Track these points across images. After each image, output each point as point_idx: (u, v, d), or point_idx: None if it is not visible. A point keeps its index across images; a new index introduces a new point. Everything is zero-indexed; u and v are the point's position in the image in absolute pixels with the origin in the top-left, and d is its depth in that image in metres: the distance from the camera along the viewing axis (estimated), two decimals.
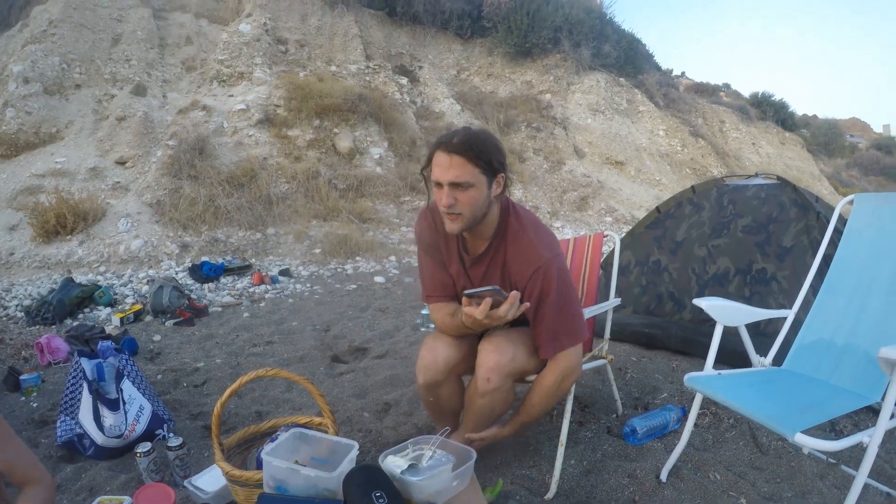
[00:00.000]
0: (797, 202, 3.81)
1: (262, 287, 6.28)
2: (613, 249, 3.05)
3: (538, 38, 14.90)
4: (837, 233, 2.70)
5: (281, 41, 12.10)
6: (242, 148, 9.32)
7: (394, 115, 11.25)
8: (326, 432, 2.11)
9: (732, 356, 2.83)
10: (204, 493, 2.14)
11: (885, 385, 1.93)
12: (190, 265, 6.65)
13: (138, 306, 5.16)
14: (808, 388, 2.23)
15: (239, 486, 1.94)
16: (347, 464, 1.80)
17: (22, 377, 3.42)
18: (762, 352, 2.53)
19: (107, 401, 2.65)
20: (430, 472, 1.83)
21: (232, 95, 10.33)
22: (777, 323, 2.66)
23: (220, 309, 5.46)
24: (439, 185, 1.99)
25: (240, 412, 3.13)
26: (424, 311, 4.48)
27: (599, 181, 13.11)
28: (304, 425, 2.25)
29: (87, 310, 5.22)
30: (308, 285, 6.52)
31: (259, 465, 1.83)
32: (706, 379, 2.21)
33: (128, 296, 5.63)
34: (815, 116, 32.56)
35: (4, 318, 5.13)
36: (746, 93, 25.70)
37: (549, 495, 2.29)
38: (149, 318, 5.07)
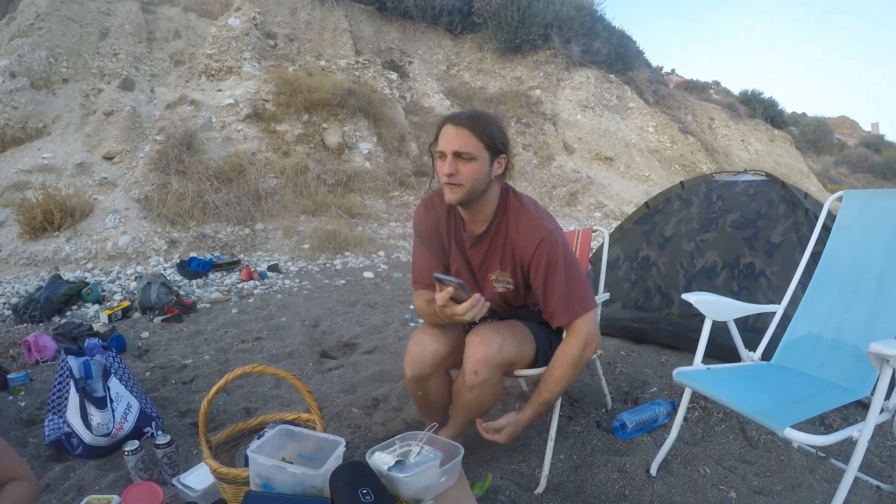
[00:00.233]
0: (786, 199, 3.82)
1: (251, 283, 6.26)
2: (602, 245, 3.05)
3: (528, 34, 14.92)
4: (826, 229, 2.71)
5: (270, 35, 12.05)
6: (231, 143, 9.28)
7: (383, 111, 11.23)
8: (315, 429, 2.09)
9: (721, 351, 2.84)
10: (192, 490, 2.12)
11: (874, 379, 1.95)
12: (178, 261, 6.62)
13: (126, 303, 5.13)
14: (797, 382, 2.24)
15: (227, 484, 1.92)
16: (334, 461, 1.79)
17: (10, 376, 3.37)
18: (751, 346, 2.54)
19: (94, 399, 2.63)
20: (417, 468, 1.82)
21: (220, 90, 10.28)
22: (765, 318, 2.66)
23: (208, 305, 5.44)
24: (443, 155, 2.04)
25: (228, 409, 3.11)
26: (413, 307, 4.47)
27: (589, 177, 13.14)
28: (292, 422, 2.23)
29: (74, 307, 5.18)
30: (297, 281, 6.50)
31: (247, 463, 1.82)
32: (695, 373, 2.22)
33: (116, 292, 5.59)
34: (804, 114, 32.75)
35: None
36: (736, 90, 25.88)
37: (539, 490, 2.29)
38: (137, 314, 5.04)
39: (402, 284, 6.43)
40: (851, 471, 1.77)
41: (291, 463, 1.80)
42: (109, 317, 4.83)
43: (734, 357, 2.55)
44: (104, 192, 7.90)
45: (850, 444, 1.76)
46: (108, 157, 8.52)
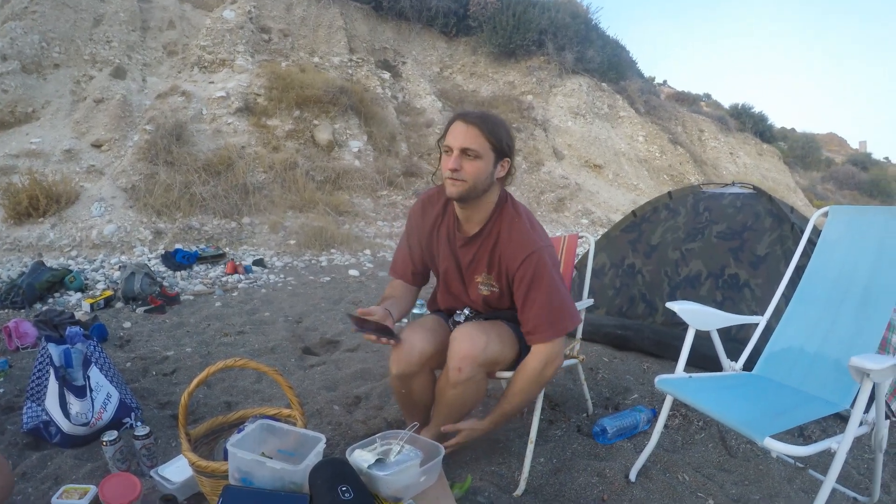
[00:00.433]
0: (772, 212, 3.85)
1: (236, 276, 6.23)
2: (588, 251, 3.06)
3: (523, 40, 14.95)
4: (811, 243, 2.73)
5: (264, 30, 12.00)
6: (220, 136, 9.23)
7: (374, 110, 11.22)
8: (295, 425, 2.09)
9: (704, 360, 2.85)
10: (170, 483, 2.11)
11: (854, 393, 1.97)
12: (163, 252, 6.58)
13: (109, 292, 5.08)
14: (778, 393, 2.26)
15: (205, 477, 1.91)
16: (314, 457, 1.78)
17: None
18: (733, 357, 2.56)
19: (73, 388, 2.60)
20: (397, 467, 1.82)
21: (212, 82, 10.22)
22: (748, 330, 2.69)
23: (192, 297, 5.41)
24: (449, 150, 2.08)
25: (209, 402, 3.09)
26: (415, 311, 4.45)
27: (577, 183, 13.19)
28: (273, 417, 2.23)
29: (57, 294, 5.13)
30: (282, 276, 6.47)
31: (226, 456, 1.81)
32: (677, 381, 2.23)
33: (99, 281, 5.55)
34: (793, 130, 33.02)
35: None
36: (726, 104, 26.07)
37: (518, 492, 2.29)
38: (119, 304, 5.00)
39: (387, 284, 6.42)
40: (829, 482, 1.79)
41: (271, 458, 1.80)
42: (92, 305, 4.79)
43: (716, 366, 2.57)
44: (91, 180, 7.83)
45: (828, 455, 1.78)
46: (97, 145, 8.45)
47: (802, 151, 28.13)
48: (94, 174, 7.95)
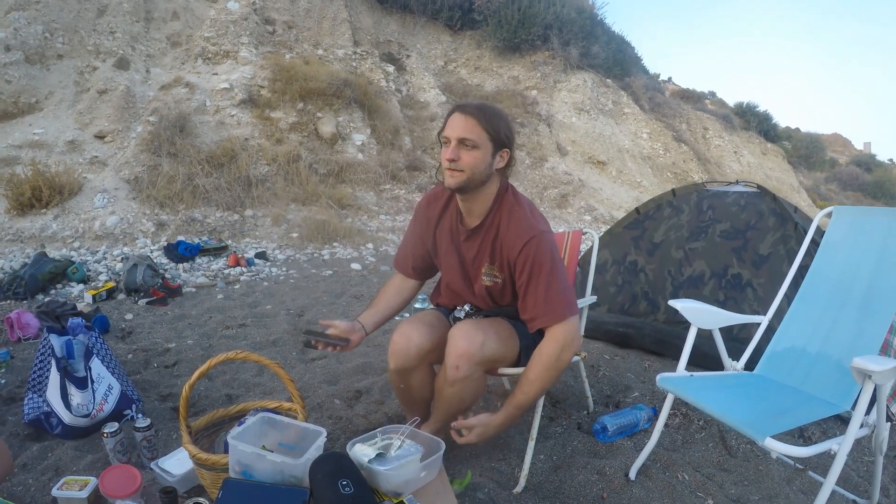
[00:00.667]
0: (776, 211, 3.84)
1: (238, 269, 6.23)
2: (591, 248, 3.05)
3: (528, 35, 14.92)
4: (814, 244, 2.73)
5: (269, 21, 11.98)
6: (224, 128, 9.22)
7: (378, 103, 11.20)
8: (296, 418, 2.09)
9: (705, 359, 2.85)
10: (171, 475, 2.11)
11: (855, 394, 1.97)
12: (165, 244, 6.58)
13: (111, 284, 5.09)
14: (779, 393, 2.25)
15: (205, 470, 1.92)
16: (315, 451, 1.78)
17: None
18: (735, 356, 2.56)
19: (75, 379, 2.60)
20: (397, 461, 1.83)
21: (216, 74, 10.21)
22: (750, 329, 2.68)
23: (193, 289, 5.41)
24: (448, 141, 2.09)
25: (210, 395, 3.10)
26: (417, 305, 4.46)
27: (581, 180, 13.17)
28: (274, 410, 2.23)
29: (59, 286, 5.14)
30: (284, 269, 6.47)
31: (226, 449, 1.81)
32: (678, 380, 2.23)
33: (101, 273, 5.55)
34: (797, 129, 32.96)
35: None
36: (731, 102, 26.01)
37: (518, 489, 2.29)
38: (122, 296, 5.00)
39: (389, 277, 6.42)
40: (829, 484, 1.79)
41: (272, 451, 1.80)
42: (94, 297, 4.80)
43: (717, 366, 2.56)
44: (94, 171, 7.83)
45: (828, 457, 1.78)
46: (100, 136, 8.44)
47: (807, 151, 28.08)
48: (97, 165, 7.95)
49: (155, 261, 5.84)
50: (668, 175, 15.47)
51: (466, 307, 2.42)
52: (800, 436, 2.91)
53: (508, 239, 2.16)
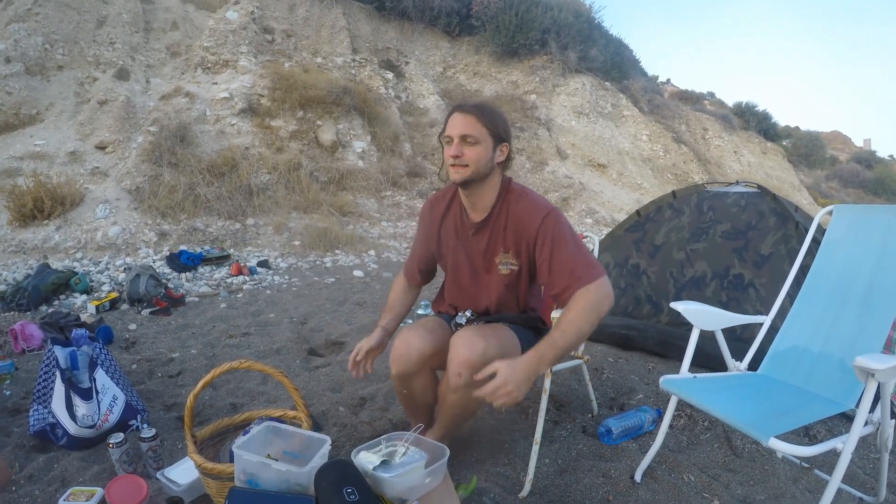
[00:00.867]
0: (776, 211, 3.84)
1: (240, 278, 6.24)
2: (592, 251, 3.05)
3: (526, 39, 14.95)
4: (816, 242, 2.73)
5: (268, 30, 12.02)
6: (224, 137, 9.25)
7: (378, 110, 11.23)
8: (301, 426, 2.09)
9: (708, 360, 2.85)
10: (176, 485, 2.12)
11: (859, 392, 1.97)
12: (168, 254, 6.59)
13: (114, 294, 5.09)
14: (782, 393, 2.25)
15: (211, 479, 1.92)
16: (319, 459, 1.79)
17: None
18: (738, 357, 2.56)
19: (79, 390, 2.61)
20: (402, 468, 1.83)
21: (216, 83, 10.25)
22: (753, 329, 2.68)
23: (196, 299, 5.42)
24: (450, 140, 2.17)
25: (214, 404, 3.10)
26: (419, 311, 4.46)
27: (581, 183, 13.18)
28: (278, 418, 2.23)
29: (62, 297, 5.15)
30: (286, 277, 6.48)
31: (232, 458, 1.82)
32: (682, 382, 2.23)
33: (104, 283, 5.56)
34: (797, 128, 32.97)
35: None
36: (730, 102, 26.04)
37: (524, 493, 2.29)
38: (125, 306, 5.01)
39: (391, 285, 6.43)
40: (835, 482, 1.79)
41: (277, 460, 1.80)
42: (97, 307, 4.80)
43: (721, 366, 2.57)
44: (95, 182, 7.85)
45: (834, 455, 1.78)
46: (101, 147, 8.46)
47: (807, 150, 28.08)
48: (98, 176, 7.97)
49: (157, 271, 5.85)
50: (668, 176, 15.48)
51: (468, 313, 2.42)
52: (805, 434, 2.90)
53: (524, 220, 2.21)
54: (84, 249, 6.62)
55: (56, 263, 6.04)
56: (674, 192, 4.48)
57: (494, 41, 14.99)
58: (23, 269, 5.95)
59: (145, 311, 4.87)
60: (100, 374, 2.73)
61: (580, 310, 2.03)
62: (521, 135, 13.37)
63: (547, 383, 2.34)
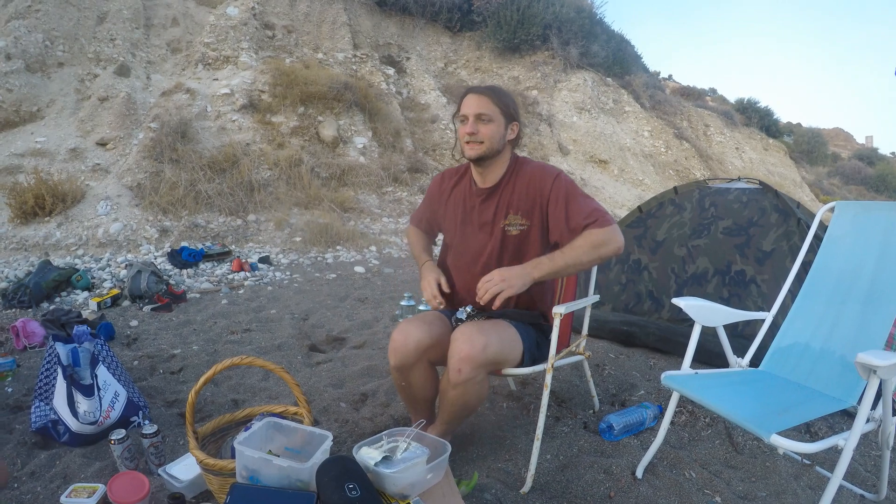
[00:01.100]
0: (778, 207, 3.84)
1: (242, 274, 6.25)
2: None
3: (527, 35, 14.91)
4: (817, 239, 2.73)
5: (268, 26, 12.00)
6: (225, 133, 9.24)
7: (379, 105, 11.21)
8: (302, 422, 2.09)
9: (710, 356, 2.86)
10: (178, 481, 2.12)
11: (860, 389, 1.97)
12: (169, 250, 6.60)
13: (116, 291, 5.10)
14: (784, 389, 2.25)
15: (213, 475, 1.92)
16: (321, 455, 1.79)
17: None
18: (739, 353, 2.55)
19: (81, 386, 2.62)
20: (404, 464, 1.83)
21: (217, 79, 10.23)
22: (754, 326, 2.68)
23: (198, 295, 5.42)
24: (465, 119, 2.35)
25: (216, 400, 3.10)
26: (403, 303, 4.47)
27: (583, 179, 13.17)
28: (280, 414, 2.23)
29: (63, 293, 5.15)
30: (287, 273, 6.48)
31: (233, 454, 1.82)
32: (683, 378, 2.23)
33: (105, 280, 5.57)
34: (798, 125, 32.92)
35: None
36: (732, 98, 26.04)
37: (525, 489, 2.29)
38: (126, 303, 5.01)
39: (393, 280, 6.43)
40: (836, 479, 1.79)
41: (278, 456, 1.80)
42: (98, 304, 4.81)
43: (722, 362, 2.57)
44: (97, 179, 7.85)
45: (835, 452, 1.78)
46: (102, 144, 8.46)
47: (808, 146, 28.05)
48: (99, 173, 7.97)
49: (159, 267, 5.85)
50: (670, 172, 15.46)
51: (468, 309, 2.42)
52: (807, 431, 2.90)
53: (535, 182, 2.36)
54: (85, 246, 6.62)
55: (57, 260, 6.05)
56: (675, 189, 4.48)
57: (496, 37, 14.95)
58: (24, 266, 5.96)
59: (147, 308, 4.87)
60: (101, 371, 2.73)
61: (584, 243, 2.20)
62: (523, 130, 13.33)
63: (548, 379, 2.33)
